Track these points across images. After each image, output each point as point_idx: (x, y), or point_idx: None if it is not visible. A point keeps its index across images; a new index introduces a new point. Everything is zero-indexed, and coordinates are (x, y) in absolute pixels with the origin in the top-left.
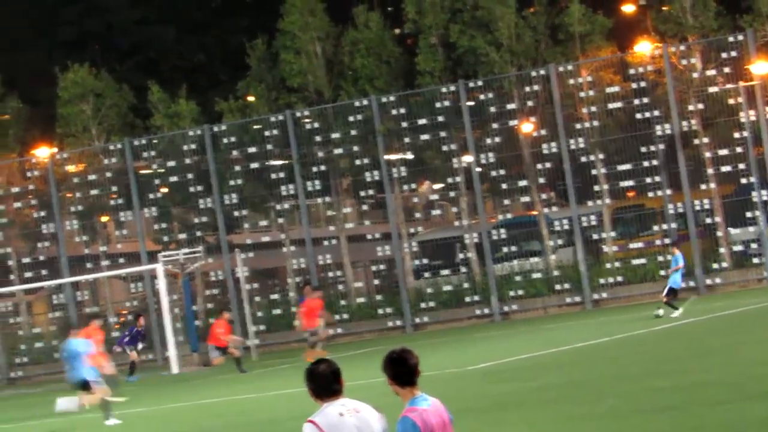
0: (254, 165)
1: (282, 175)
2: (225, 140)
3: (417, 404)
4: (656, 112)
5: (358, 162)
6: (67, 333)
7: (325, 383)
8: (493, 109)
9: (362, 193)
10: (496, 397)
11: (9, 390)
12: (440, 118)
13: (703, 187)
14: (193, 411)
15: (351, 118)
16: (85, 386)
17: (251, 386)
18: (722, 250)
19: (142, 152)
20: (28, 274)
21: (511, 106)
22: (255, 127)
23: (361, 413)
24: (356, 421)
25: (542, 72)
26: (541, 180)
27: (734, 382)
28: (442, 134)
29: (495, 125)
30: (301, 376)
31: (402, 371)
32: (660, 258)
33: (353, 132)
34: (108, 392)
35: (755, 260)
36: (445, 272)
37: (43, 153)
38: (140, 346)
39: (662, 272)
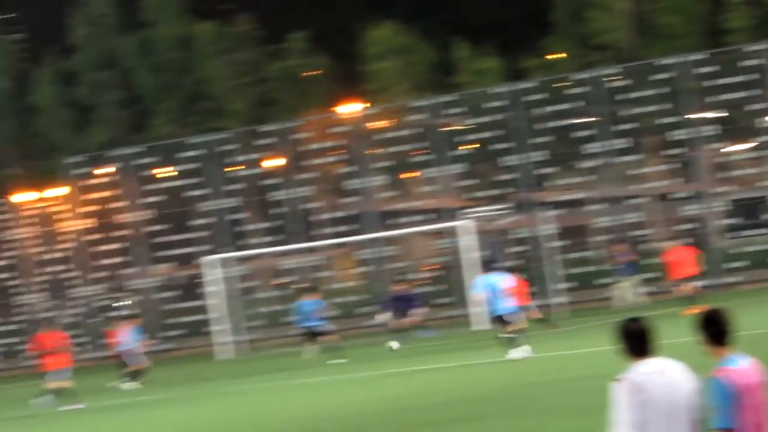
0: (560, 123)
1: (587, 133)
2: (530, 98)
3: (728, 365)
4: None
5: (664, 121)
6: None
7: (637, 342)
8: None
9: (668, 152)
10: None
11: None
12: (748, 77)
13: None
14: (496, 368)
15: (657, 77)
16: (500, 320)
17: (554, 344)
18: None
19: (447, 109)
20: (333, 229)
21: None
22: (560, 84)
23: (670, 373)
24: (665, 381)
25: None
26: None
27: None
28: (751, 93)
29: None
30: (604, 334)
31: (715, 331)
32: None
33: (659, 90)
34: (522, 324)
35: None
36: (755, 232)
37: (349, 109)
38: None
39: None
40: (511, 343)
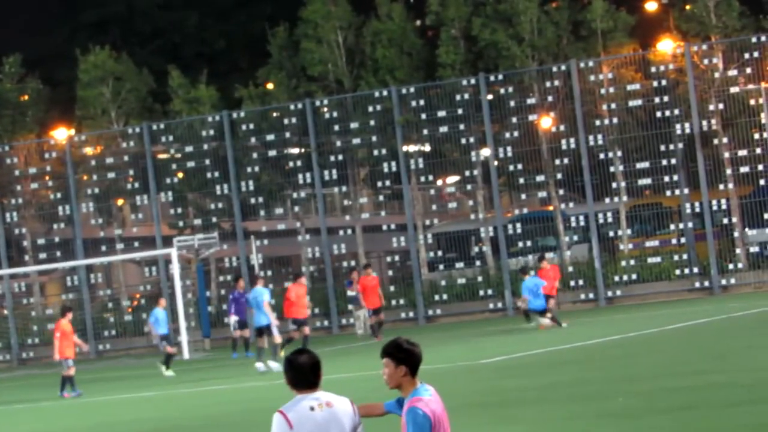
0: (272, 153)
1: (299, 163)
2: (243, 127)
3: (421, 394)
4: (676, 111)
5: (375, 152)
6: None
7: (302, 375)
8: (512, 104)
9: (379, 184)
10: (506, 393)
11: (20, 371)
12: (459, 111)
13: (721, 187)
14: (196, 397)
15: (370, 109)
16: (260, 332)
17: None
18: (738, 250)
19: (160, 137)
20: (42, 255)
21: (530, 101)
22: (274, 114)
23: (333, 407)
24: (326, 416)
25: (563, 67)
26: (559, 176)
27: (747, 384)
28: (461, 127)
29: (514, 119)
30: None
31: (414, 361)
32: (675, 257)
33: (372, 122)
34: (279, 340)
35: None
36: (460, 265)
37: (61, 135)
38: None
39: (677, 271)
40: (262, 353)
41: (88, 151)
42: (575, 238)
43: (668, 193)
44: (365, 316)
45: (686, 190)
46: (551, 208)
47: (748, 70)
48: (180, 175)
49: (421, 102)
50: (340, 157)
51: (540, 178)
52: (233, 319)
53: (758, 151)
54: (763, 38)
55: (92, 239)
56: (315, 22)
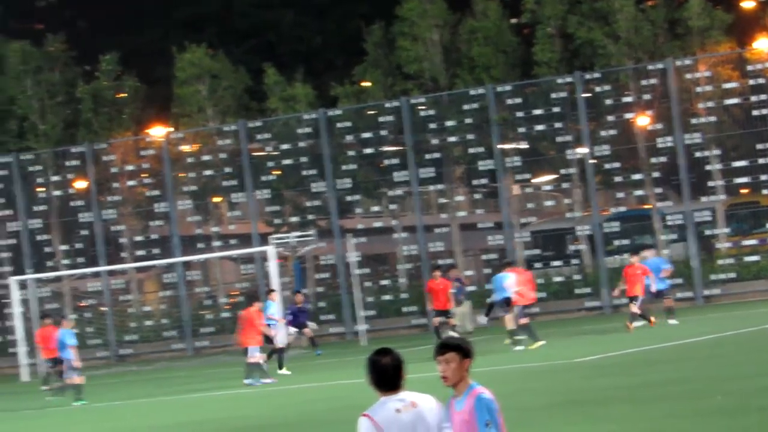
0: (368, 150)
1: (395, 161)
2: (339, 125)
3: (480, 386)
4: None
5: (471, 150)
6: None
7: (385, 376)
8: (609, 102)
9: (475, 182)
10: (602, 391)
11: (118, 367)
12: (556, 109)
13: None
14: (292, 394)
15: (466, 107)
16: (507, 303)
17: (354, 372)
18: None
19: (256, 134)
20: (139, 253)
21: (627, 99)
22: (370, 112)
23: (418, 407)
24: (412, 417)
25: (660, 66)
26: (656, 174)
27: None
28: (557, 125)
29: (610, 118)
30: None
31: (473, 355)
32: None
33: (468, 120)
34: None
35: None
36: (556, 263)
37: (158, 132)
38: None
39: None
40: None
41: (185, 148)
42: (672, 236)
43: (765, 191)
44: (462, 313)
45: None
46: (648, 206)
47: None
48: (276, 172)
49: (517, 100)
50: (436, 155)
51: (637, 176)
52: (292, 329)
53: None
54: None
55: (189, 236)
56: (411, 20)
